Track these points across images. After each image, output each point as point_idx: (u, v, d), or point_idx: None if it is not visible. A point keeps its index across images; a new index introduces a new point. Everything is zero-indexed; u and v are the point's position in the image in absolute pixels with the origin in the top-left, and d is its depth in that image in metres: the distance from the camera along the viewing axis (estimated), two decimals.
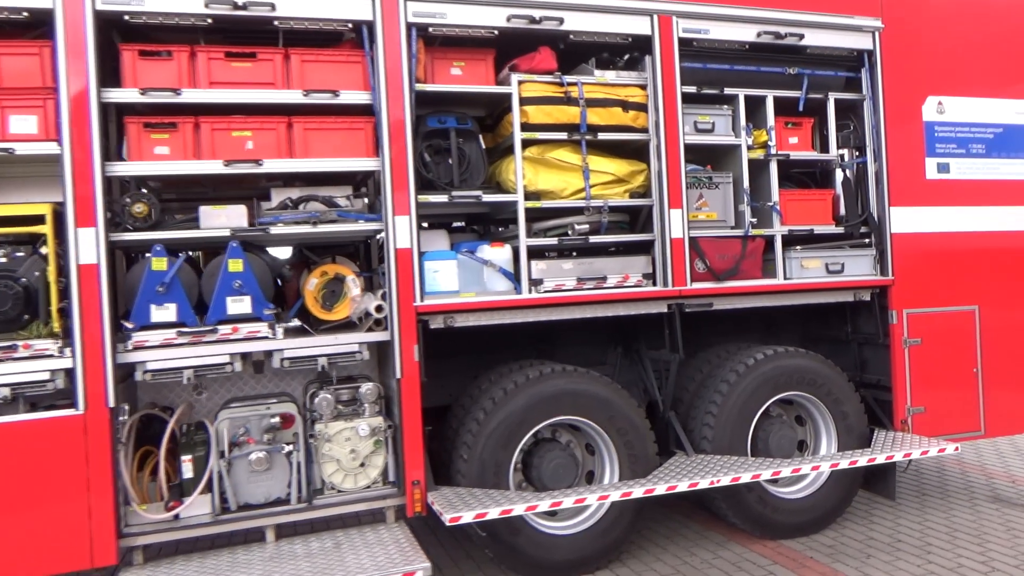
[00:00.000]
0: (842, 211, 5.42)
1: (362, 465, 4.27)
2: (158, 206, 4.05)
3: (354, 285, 4.41)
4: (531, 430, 4.48)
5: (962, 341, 5.45)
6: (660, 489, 4.27)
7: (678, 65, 4.81)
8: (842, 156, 5.42)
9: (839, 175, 5.47)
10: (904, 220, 5.32)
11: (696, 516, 5.51)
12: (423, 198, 4.40)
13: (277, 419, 4.20)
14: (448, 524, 3.86)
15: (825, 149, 5.43)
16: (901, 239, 5.31)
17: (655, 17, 4.77)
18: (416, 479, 4.22)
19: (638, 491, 4.26)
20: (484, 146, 4.72)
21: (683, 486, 4.31)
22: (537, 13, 4.53)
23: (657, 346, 5.18)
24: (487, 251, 4.60)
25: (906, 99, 5.37)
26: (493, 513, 3.92)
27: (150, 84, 3.98)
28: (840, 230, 5.32)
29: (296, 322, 4.45)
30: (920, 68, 5.40)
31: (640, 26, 4.76)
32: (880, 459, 4.80)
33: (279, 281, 4.49)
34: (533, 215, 4.73)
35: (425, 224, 5.24)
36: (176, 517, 4.03)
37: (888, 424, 5.35)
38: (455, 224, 5.35)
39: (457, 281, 4.52)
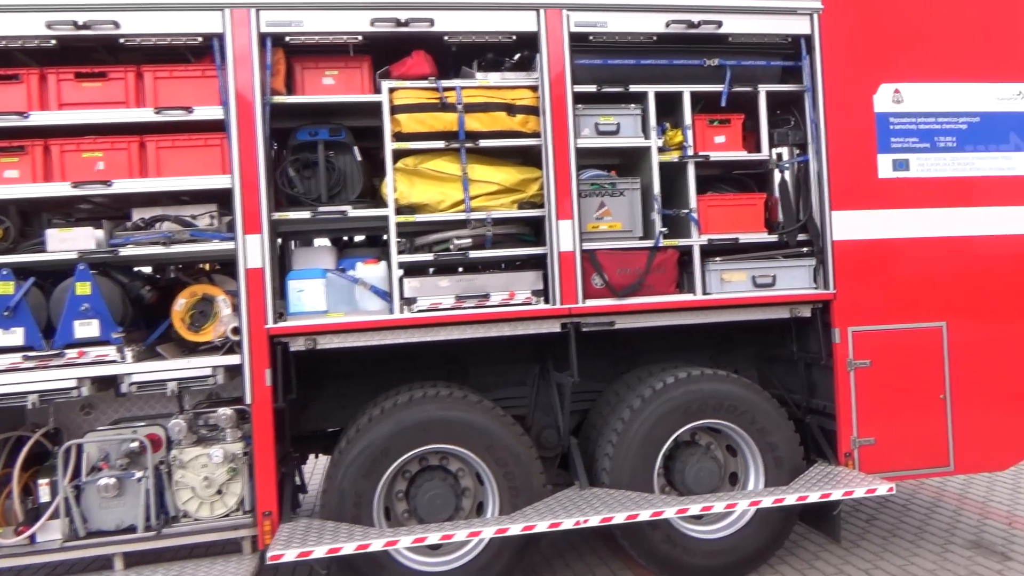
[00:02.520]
0: (781, 217, 4.84)
1: (219, 493, 4.14)
2: (14, 229, 4.06)
3: (225, 305, 4.28)
4: (397, 460, 4.21)
5: (926, 363, 4.76)
6: (515, 529, 3.92)
7: (568, 62, 4.41)
8: (779, 155, 4.84)
9: (776, 177, 4.88)
10: (849, 226, 4.69)
11: (620, 553, 5.08)
12: (282, 215, 4.23)
13: (137, 443, 4.13)
14: (269, 562, 3.66)
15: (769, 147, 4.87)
16: (845, 247, 4.69)
17: (542, 11, 4.39)
18: (268, 509, 4.05)
19: (488, 531, 3.94)
20: (360, 158, 4.48)
21: (543, 526, 3.94)
22: (403, 15, 4.25)
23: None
24: (360, 269, 4.38)
25: (853, 88, 4.73)
26: (319, 552, 3.69)
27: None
28: (773, 238, 4.76)
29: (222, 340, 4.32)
30: (870, 52, 4.75)
31: (525, 22, 4.40)
32: (790, 500, 4.25)
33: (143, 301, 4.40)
34: (415, 230, 4.48)
35: (327, 241, 5.13)
36: (32, 541, 4.03)
37: (832, 457, 4.74)
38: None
39: (325, 301, 4.32)
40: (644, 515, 4.02)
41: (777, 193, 4.84)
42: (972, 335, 4.80)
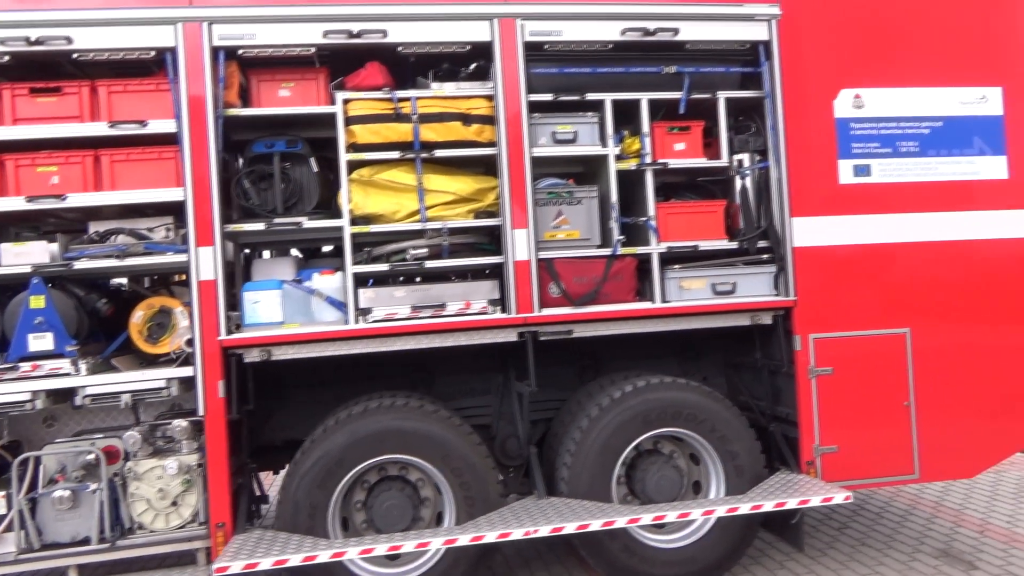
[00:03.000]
0: (742, 224, 4.82)
1: (174, 504, 4.15)
2: None
3: (183, 317, 4.30)
4: (351, 470, 4.21)
5: (889, 369, 4.72)
6: (463, 540, 3.91)
7: (523, 72, 4.41)
8: (739, 162, 4.82)
9: (738, 183, 4.86)
10: (809, 232, 4.66)
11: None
12: (236, 227, 4.26)
13: (93, 456, 4.15)
14: (215, 574, 3.66)
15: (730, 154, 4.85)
16: (806, 254, 4.66)
17: (495, 21, 4.39)
18: (221, 521, 4.06)
19: (436, 542, 3.93)
20: (317, 169, 4.49)
21: (491, 536, 3.93)
22: (356, 27, 4.26)
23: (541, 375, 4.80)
24: (316, 280, 4.39)
25: (813, 94, 4.71)
26: (265, 563, 3.69)
27: None
28: (734, 245, 4.74)
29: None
30: (830, 58, 4.73)
31: (479, 32, 4.40)
32: (744, 509, 4.22)
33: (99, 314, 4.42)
34: (372, 240, 4.50)
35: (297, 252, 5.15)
36: None
37: (794, 465, 4.71)
38: None
39: (281, 312, 4.34)
40: (595, 525, 4.00)
41: (739, 200, 4.82)
42: (936, 341, 4.76)
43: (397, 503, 4.32)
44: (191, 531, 4.14)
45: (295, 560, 3.76)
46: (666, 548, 4.53)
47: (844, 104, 4.73)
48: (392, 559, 4.32)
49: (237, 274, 4.65)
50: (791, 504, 4.21)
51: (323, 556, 3.79)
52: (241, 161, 4.58)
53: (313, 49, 4.30)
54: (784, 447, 4.81)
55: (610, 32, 4.53)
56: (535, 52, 4.50)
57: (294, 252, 5.11)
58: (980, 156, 4.88)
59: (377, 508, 4.31)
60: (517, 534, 3.91)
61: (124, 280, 5.00)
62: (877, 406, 4.70)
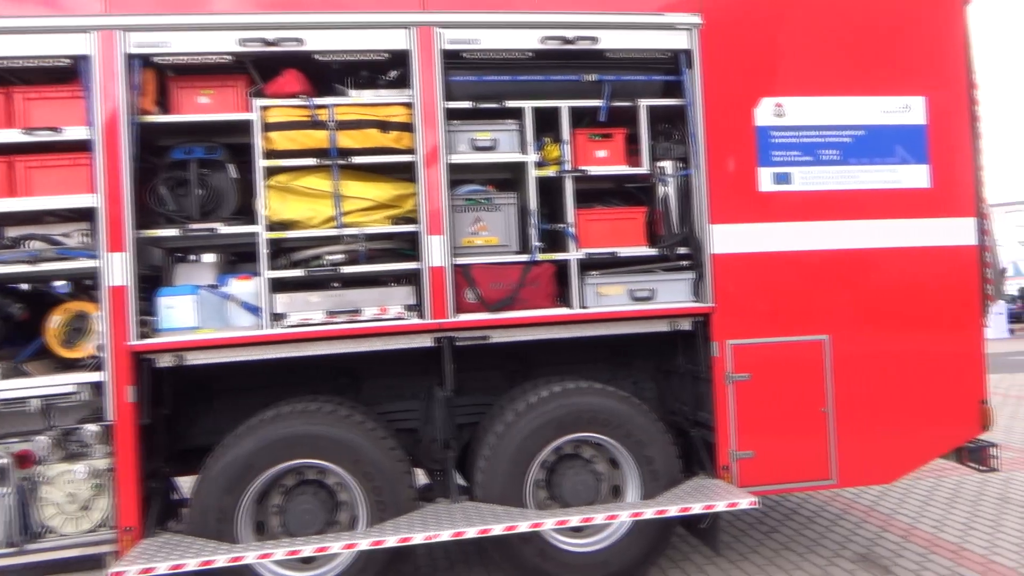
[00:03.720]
0: (664, 231, 4.85)
1: (85, 508, 4.19)
2: None
3: (100, 322, 4.33)
4: (262, 474, 4.25)
5: (807, 376, 4.76)
6: (362, 544, 3.95)
7: (440, 79, 4.44)
8: (662, 169, 4.85)
9: (660, 190, 4.89)
10: (728, 239, 4.69)
11: None
12: (150, 233, 4.28)
13: (4, 460, 4.18)
14: None
15: (651, 161, 4.88)
16: (724, 260, 4.69)
17: (413, 29, 4.42)
18: (129, 525, 4.10)
19: (336, 546, 3.97)
20: (235, 175, 4.52)
21: (391, 541, 3.96)
22: (271, 35, 4.29)
23: (465, 380, 4.85)
24: (232, 285, 4.43)
25: (734, 102, 4.73)
26: (162, 568, 3.73)
27: None
28: (654, 252, 4.78)
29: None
30: (751, 67, 4.75)
31: (396, 40, 4.43)
32: (648, 514, 4.26)
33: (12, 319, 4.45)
34: (291, 246, 4.53)
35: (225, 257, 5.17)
36: None
37: (711, 470, 4.75)
38: None
39: (196, 317, 4.37)
40: (496, 529, 4.05)
41: (660, 207, 4.86)
42: (855, 348, 4.80)
43: (310, 507, 4.36)
44: (100, 535, 4.17)
45: (192, 565, 3.80)
46: (580, 552, 4.57)
47: (765, 112, 4.76)
48: (307, 562, 4.37)
49: (165, 279, 4.68)
50: (696, 509, 4.25)
51: (220, 560, 3.83)
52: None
53: (229, 57, 4.32)
54: (703, 452, 4.85)
55: (529, 40, 4.56)
56: (454, 60, 4.53)
57: (210, 257, 5.13)
58: (902, 165, 4.91)
59: (291, 512, 4.35)
60: (418, 539, 3.95)
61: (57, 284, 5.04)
62: (795, 412, 4.73)
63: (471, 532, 4.00)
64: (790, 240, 4.77)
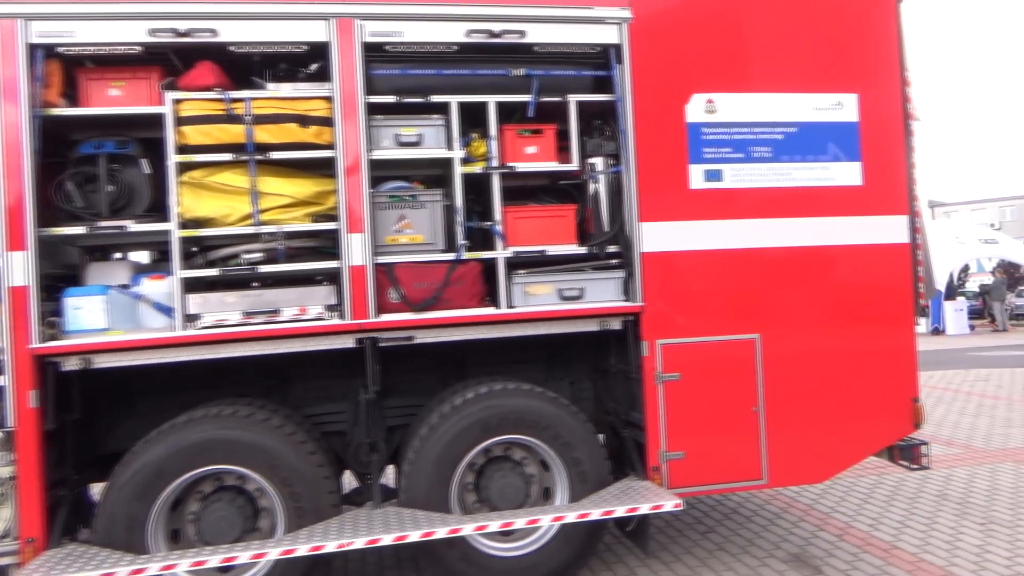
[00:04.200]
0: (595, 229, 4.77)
1: None
2: None
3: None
4: (174, 481, 4.11)
5: (738, 375, 4.71)
6: (273, 554, 3.83)
7: (361, 73, 4.31)
8: (592, 166, 4.77)
9: (591, 188, 4.81)
10: (658, 237, 4.63)
11: None
12: (53, 231, 4.11)
13: None
14: None
15: (582, 158, 4.80)
16: (654, 259, 4.62)
17: (332, 21, 4.29)
18: (32, 536, 3.93)
19: (244, 556, 3.84)
20: (148, 171, 4.36)
21: (303, 550, 3.84)
22: (183, 25, 4.14)
23: (398, 381, 4.79)
24: (144, 284, 4.27)
25: (664, 98, 4.66)
26: None
27: None
28: (583, 250, 4.70)
29: None
30: (682, 62, 4.68)
31: (315, 32, 4.29)
32: (570, 518, 4.19)
33: None
34: (208, 244, 4.39)
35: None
36: None
37: (641, 471, 4.69)
38: None
39: (106, 318, 4.21)
40: (413, 536, 3.94)
41: (591, 204, 4.77)
42: (786, 347, 4.76)
43: (227, 515, 4.22)
44: (4, 546, 4.01)
45: None
46: (507, 556, 4.49)
47: (696, 109, 4.70)
48: (224, 571, 4.24)
49: (81, 278, 4.51)
50: (619, 512, 4.18)
51: (121, 573, 3.68)
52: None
53: (139, 48, 4.16)
54: (634, 453, 4.79)
55: (454, 33, 4.45)
56: (376, 53, 4.41)
57: (143, 256, 4.98)
58: (835, 162, 4.87)
59: (207, 520, 4.21)
60: (330, 547, 3.84)
61: None
62: (725, 412, 4.69)
63: (387, 539, 3.89)
64: (721, 238, 4.71)
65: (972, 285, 31.07)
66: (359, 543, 3.85)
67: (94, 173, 4.26)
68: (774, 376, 4.73)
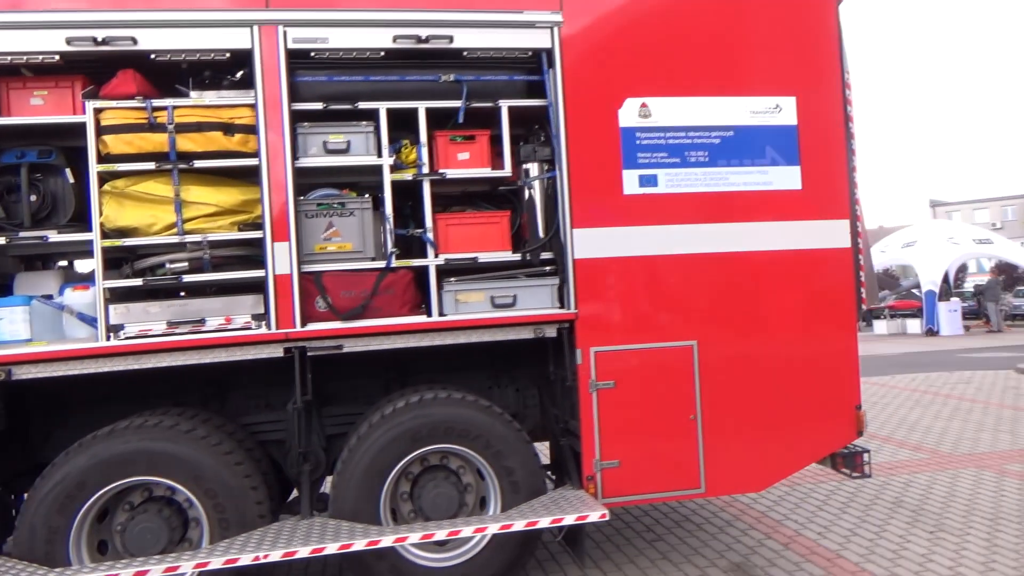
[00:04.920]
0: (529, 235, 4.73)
1: None
2: None
3: None
4: (96, 493, 4.07)
5: (675, 383, 4.65)
6: (185, 567, 3.79)
7: (284, 80, 4.28)
8: (527, 171, 4.73)
9: (526, 194, 4.76)
10: (591, 244, 4.57)
11: None
12: None
13: None
14: None
15: (516, 164, 4.76)
16: (587, 265, 4.57)
17: (255, 28, 4.25)
18: None
19: (156, 570, 3.79)
20: (72, 180, 4.33)
21: (217, 562, 3.81)
22: (101, 34, 4.11)
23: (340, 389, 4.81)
24: (68, 295, 4.24)
25: (597, 103, 4.61)
26: None
27: None
28: (516, 257, 4.65)
29: None
30: (615, 66, 4.63)
31: (238, 39, 4.26)
32: (492, 529, 4.14)
33: None
34: (136, 254, 4.36)
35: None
36: None
37: (576, 480, 4.64)
38: None
39: (29, 329, 4.19)
40: (331, 548, 3.89)
41: (526, 210, 4.73)
42: (725, 354, 4.71)
43: (152, 527, 4.18)
44: None
45: None
46: (437, 567, 4.44)
47: (630, 113, 4.65)
48: None
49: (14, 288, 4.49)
50: (544, 523, 4.13)
51: None
52: None
53: (58, 56, 4.13)
54: (570, 462, 4.74)
55: (381, 39, 4.42)
56: (302, 60, 4.37)
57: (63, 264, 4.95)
58: (773, 166, 4.82)
59: (131, 531, 4.18)
60: (246, 559, 3.80)
61: None
62: (662, 420, 4.63)
63: (303, 552, 3.85)
64: (657, 244, 4.66)
65: (968, 285, 30.90)
66: (274, 556, 3.81)
67: (16, 183, 4.24)
68: (712, 384, 4.68)
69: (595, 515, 4.15)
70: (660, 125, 4.68)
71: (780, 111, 4.82)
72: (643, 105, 4.66)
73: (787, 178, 4.83)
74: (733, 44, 4.77)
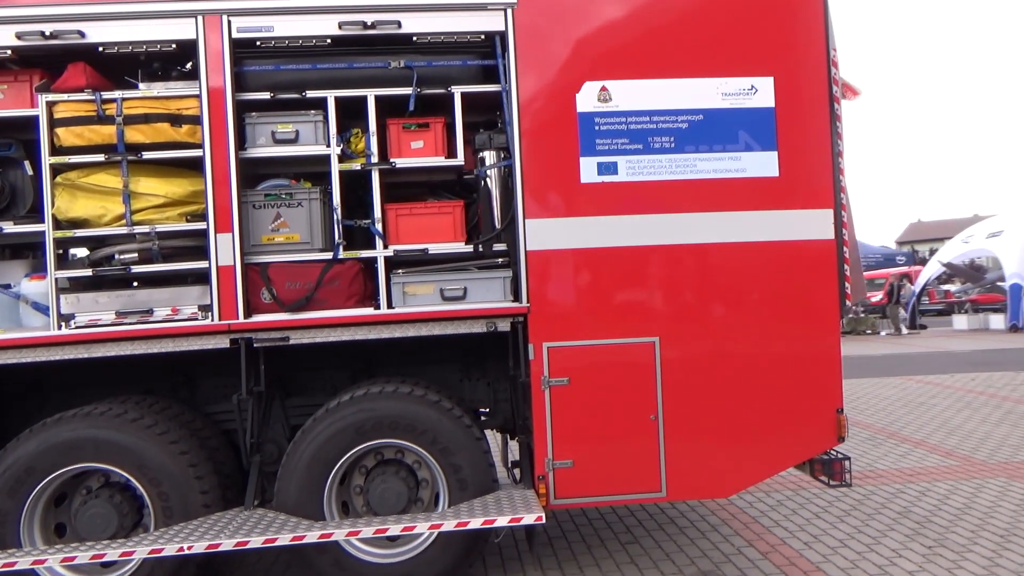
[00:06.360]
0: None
1: None
2: None
3: None
4: (45, 478, 4.17)
5: (634, 381, 4.43)
6: (112, 555, 3.83)
7: (228, 69, 4.25)
8: (482, 159, 4.57)
9: (481, 183, 4.60)
10: (545, 235, 4.39)
11: None
12: None
13: None
14: None
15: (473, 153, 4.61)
16: (540, 257, 4.39)
17: (199, 18, 4.24)
18: None
19: (83, 557, 3.84)
20: (31, 172, 4.43)
21: (142, 552, 3.84)
22: (48, 28, 4.17)
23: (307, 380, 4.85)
24: (24, 284, 4.36)
25: (553, 88, 4.41)
26: None
27: None
28: (468, 248, 4.51)
29: None
30: (572, 49, 4.42)
31: (184, 30, 4.26)
32: (421, 528, 4.02)
33: None
34: (90, 245, 4.44)
35: None
36: None
37: (528, 479, 4.48)
38: None
39: None
40: (255, 542, 3.86)
41: (481, 200, 4.58)
42: (689, 352, 4.45)
43: (102, 511, 4.26)
44: None
45: None
46: (381, 563, 4.37)
47: (588, 98, 4.42)
48: (106, 566, 4.29)
49: None
50: (474, 524, 3.99)
51: None
52: None
53: (10, 51, 4.22)
54: (524, 461, 4.59)
55: (327, 27, 4.34)
56: (248, 49, 4.34)
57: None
58: (747, 152, 4.51)
59: (82, 516, 4.27)
60: (170, 550, 3.81)
61: None
62: (619, 420, 4.41)
63: (227, 544, 3.83)
64: (616, 235, 4.43)
65: None
66: (198, 547, 3.80)
67: None
68: (675, 383, 4.43)
69: (530, 518, 3.98)
70: (621, 110, 4.44)
71: (756, 92, 4.50)
72: (603, 89, 4.43)
73: (762, 164, 4.50)
74: (703, 21, 4.48)
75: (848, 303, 4.59)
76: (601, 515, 5.77)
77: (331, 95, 4.39)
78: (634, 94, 4.44)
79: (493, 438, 6.00)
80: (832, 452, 4.60)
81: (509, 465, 5.25)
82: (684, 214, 4.46)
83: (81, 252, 4.87)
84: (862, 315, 23.57)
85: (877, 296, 24.37)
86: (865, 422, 8.87)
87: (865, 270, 25.69)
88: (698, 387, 4.44)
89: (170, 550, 3.83)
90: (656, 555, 4.98)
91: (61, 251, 4.45)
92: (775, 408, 4.48)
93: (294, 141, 4.42)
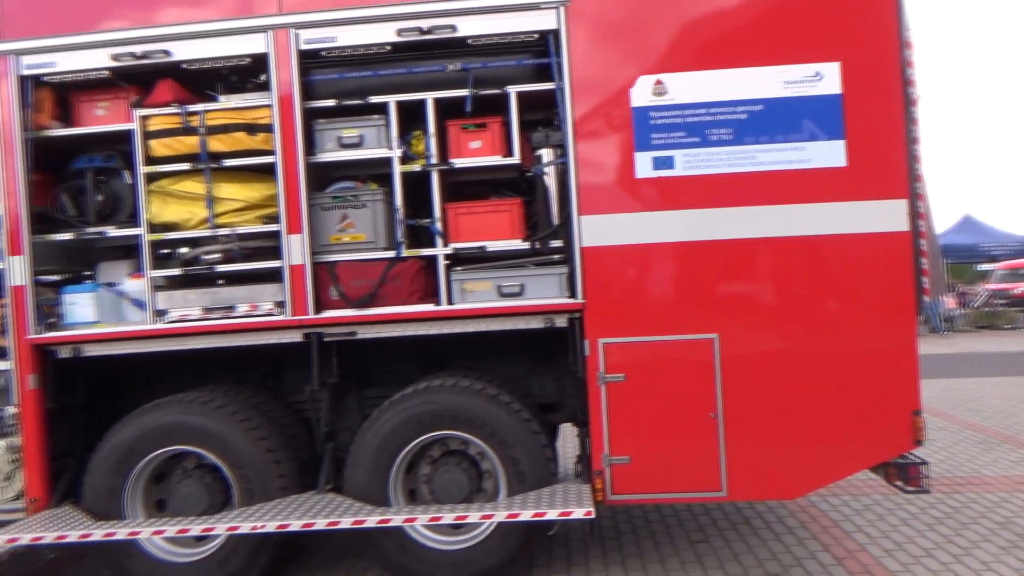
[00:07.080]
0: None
1: (8, 479, 4.78)
2: None
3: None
4: (145, 457, 4.61)
5: (693, 378, 4.36)
6: (220, 528, 4.18)
7: (296, 79, 4.51)
8: (539, 157, 4.61)
9: (538, 181, 4.65)
10: (599, 231, 4.39)
11: None
12: (44, 237, 4.73)
13: None
14: (4, 545, 4.22)
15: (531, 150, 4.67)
16: (595, 253, 4.40)
17: (270, 33, 4.52)
18: (35, 496, 4.63)
19: (195, 529, 4.23)
20: (129, 181, 4.87)
21: (221, 528, 4.17)
22: (139, 49, 4.57)
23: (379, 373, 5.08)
24: (126, 283, 4.82)
25: (606, 83, 4.40)
26: (48, 538, 4.18)
27: None
28: (526, 246, 4.58)
29: None
30: (626, 43, 4.38)
31: (256, 45, 4.55)
32: (473, 518, 4.13)
33: None
34: (173, 246, 4.83)
35: None
36: None
37: (585, 474, 4.52)
38: None
39: (96, 312, 4.81)
40: (319, 524, 4.12)
41: (539, 198, 4.63)
42: (752, 349, 4.34)
43: (193, 490, 4.66)
44: (18, 504, 4.75)
45: (72, 537, 4.23)
46: (444, 550, 4.55)
47: (642, 92, 4.38)
48: (200, 540, 4.69)
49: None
50: (524, 516, 4.07)
51: (96, 535, 4.23)
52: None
53: (108, 71, 4.66)
54: (585, 455, 4.62)
55: (385, 34, 4.51)
56: (313, 59, 4.58)
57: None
58: (811, 141, 4.32)
59: (176, 493, 4.70)
60: (245, 527, 4.13)
61: None
62: (677, 417, 4.37)
63: (295, 525, 4.11)
64: (673, 230, 4.37)
65: None
66: (270, 526, 4.11)
67: (84, 185, 4.85)
68: (736, 380, 4.33)
69: (579, 512, 4.03)
70: (677, 102, 4.36)
71: (821, 79, 4.30)
72: (657, 82, 4.37)
73: (829, 154, 4.31)
74: (761, 7, 4.32)
75: (926, 298, 4.32)
76: (675, 512, 5.72)
77: (392, 100, 4.56)
78: (690, 86, 4.35)
79: (568, 433, 6.05)
80: (908, 456, 4.35)
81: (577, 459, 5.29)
82: (743, 208, 4.34)
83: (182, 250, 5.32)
84: (1000, 308, 21.72)
85: (1021, 288, 22.37)
86: (980, 424, 8.26)
87: (1006, 259, 23.67)
88: (761, 385, 4.32)
89: (244, 528, 4.15)
90: (724, 555, 4.90)
91: (159, 252, 4.90)
92: (844, 409, 4.30)
93: (359, 145, 4.64)
